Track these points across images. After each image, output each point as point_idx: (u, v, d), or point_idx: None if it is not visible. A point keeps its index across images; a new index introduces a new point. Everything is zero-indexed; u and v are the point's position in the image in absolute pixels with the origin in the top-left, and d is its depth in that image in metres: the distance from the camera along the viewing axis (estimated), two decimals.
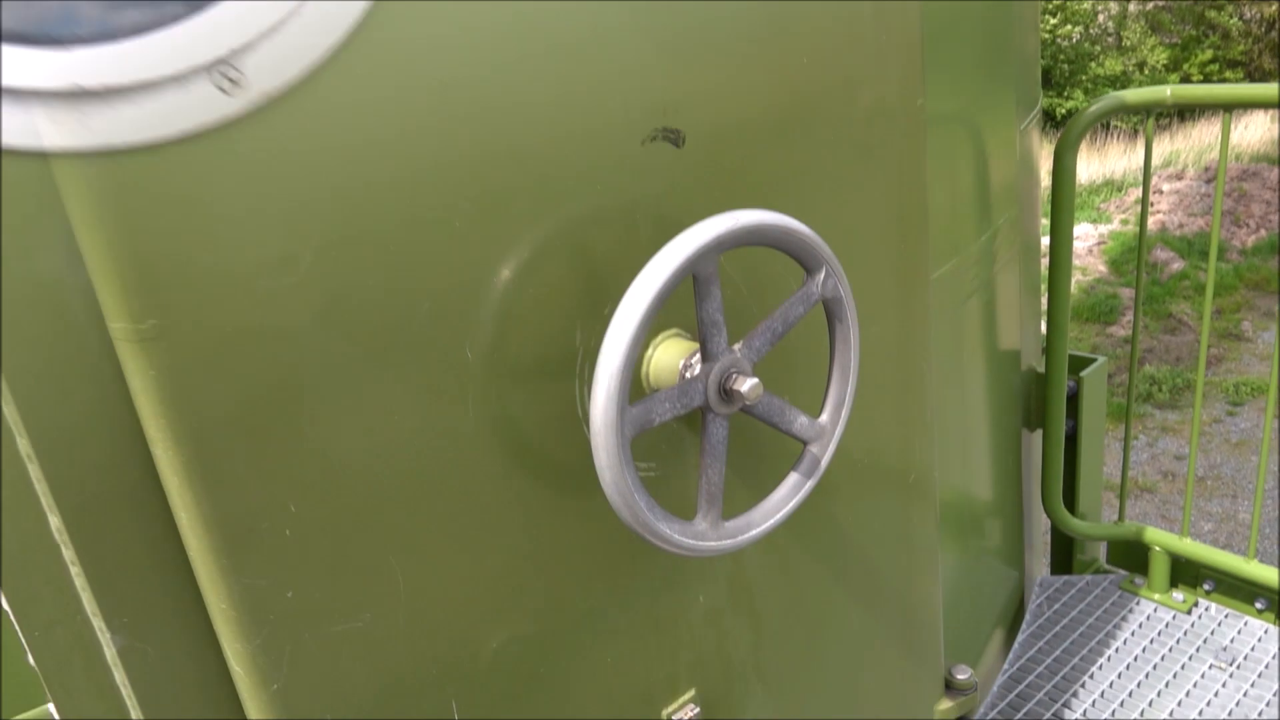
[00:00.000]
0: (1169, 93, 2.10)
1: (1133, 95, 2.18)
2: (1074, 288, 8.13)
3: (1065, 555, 2.85)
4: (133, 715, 0.81)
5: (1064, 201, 2.31)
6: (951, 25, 1.72)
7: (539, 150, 0.90)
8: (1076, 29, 20.32)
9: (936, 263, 1.73)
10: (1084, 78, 19.84)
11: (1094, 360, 2.54)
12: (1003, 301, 2.15)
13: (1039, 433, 2.59)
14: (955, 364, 2.01)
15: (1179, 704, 2.23)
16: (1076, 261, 8.48)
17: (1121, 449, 2.75)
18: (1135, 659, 2.39)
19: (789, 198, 1.14)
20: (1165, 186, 10.69)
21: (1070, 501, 2.68)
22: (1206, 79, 20.71)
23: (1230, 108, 2.16)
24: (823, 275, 1.05)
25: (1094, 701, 2.26)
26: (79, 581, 0.77)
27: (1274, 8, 20.84)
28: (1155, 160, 12.47)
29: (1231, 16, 21.46)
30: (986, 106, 1.96)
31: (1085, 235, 9.21)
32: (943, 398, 1.91)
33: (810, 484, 1.11)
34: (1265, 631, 2.43)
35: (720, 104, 1.04)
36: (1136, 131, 17.64)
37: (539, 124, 0.89)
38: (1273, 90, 1.98)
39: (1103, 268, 8.47)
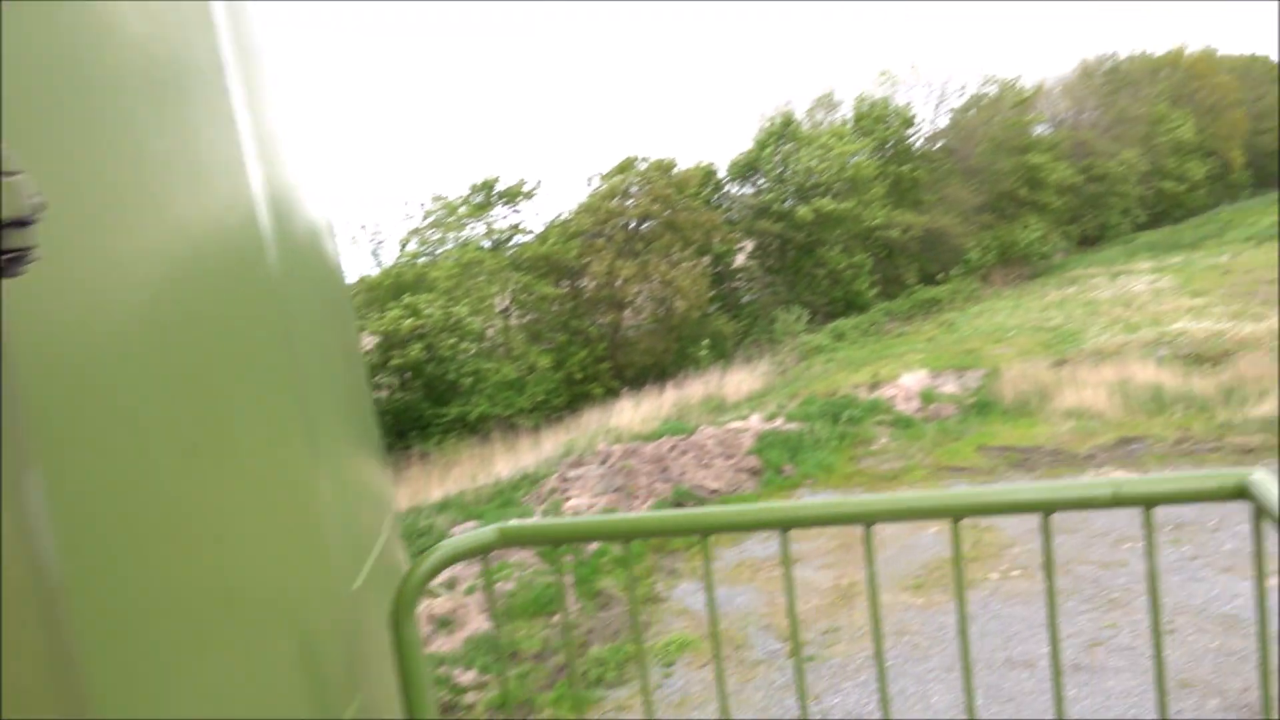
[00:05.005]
0: (496, 533, 1.98)
1: (463, 541, 1.97)
2: (516, 584, 8.35)
3: None
4: None
5: (413, 677, 1.91)
6: None
7: None
8: (473, 346, 22.77)
9: None
10: (486, 386, 22.11)
11: None
12: None
13: None
14: None
15: None
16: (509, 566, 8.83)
17: None
18: None
19: None
20: (571, 473, 12.01)
21: None
22: (585, 373, 24.66)
23: (558, 542, 2.27)
24: None
25: None
26: None
27: (608, 318, 25.95)
28: (554, 452, 13.73)
29: (590, 325, 26.22)
30: None
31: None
32: None
33: None
34: None
35: None
36: (537, 427, 19.90)
37: None
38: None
39: (536, 560, 8.95)
